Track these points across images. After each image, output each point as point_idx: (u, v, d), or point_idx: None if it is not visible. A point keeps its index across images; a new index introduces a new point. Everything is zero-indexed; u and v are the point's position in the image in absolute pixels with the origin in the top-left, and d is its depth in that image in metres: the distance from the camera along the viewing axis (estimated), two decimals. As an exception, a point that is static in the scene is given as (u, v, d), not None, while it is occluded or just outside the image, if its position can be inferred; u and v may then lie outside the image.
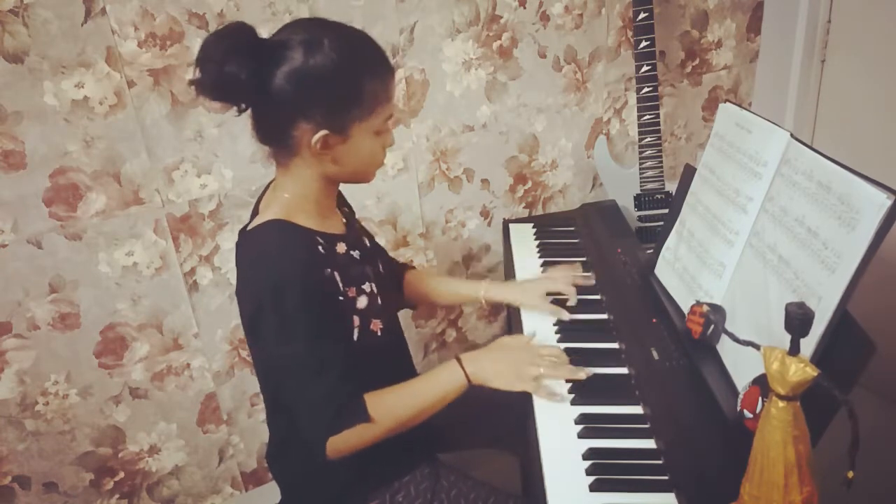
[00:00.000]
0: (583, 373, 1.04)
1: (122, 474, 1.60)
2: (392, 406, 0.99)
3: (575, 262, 1.40)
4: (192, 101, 1.39)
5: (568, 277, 1.29)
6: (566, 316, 1.23)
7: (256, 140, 0.99)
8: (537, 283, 1.30)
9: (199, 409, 1.64)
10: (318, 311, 0.94)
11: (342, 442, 0.95)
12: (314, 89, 0.90)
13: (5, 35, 1.20)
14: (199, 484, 1.71)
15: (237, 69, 0.86)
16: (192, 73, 0.84)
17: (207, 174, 1.46)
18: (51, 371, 1.43)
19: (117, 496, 1.61)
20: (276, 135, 0.96)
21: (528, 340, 1.13)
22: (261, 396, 1.67)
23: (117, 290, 1.45)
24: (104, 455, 1.56)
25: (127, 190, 1.39)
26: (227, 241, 1.53)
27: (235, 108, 0.93)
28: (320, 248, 0.99)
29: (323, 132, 0.92)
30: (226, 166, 1.47)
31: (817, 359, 0.80)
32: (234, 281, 1.56)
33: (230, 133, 1.45)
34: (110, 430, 1.54)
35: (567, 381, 1.06)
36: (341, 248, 1.03)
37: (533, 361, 1.04)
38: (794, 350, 0.69)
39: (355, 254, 1.06)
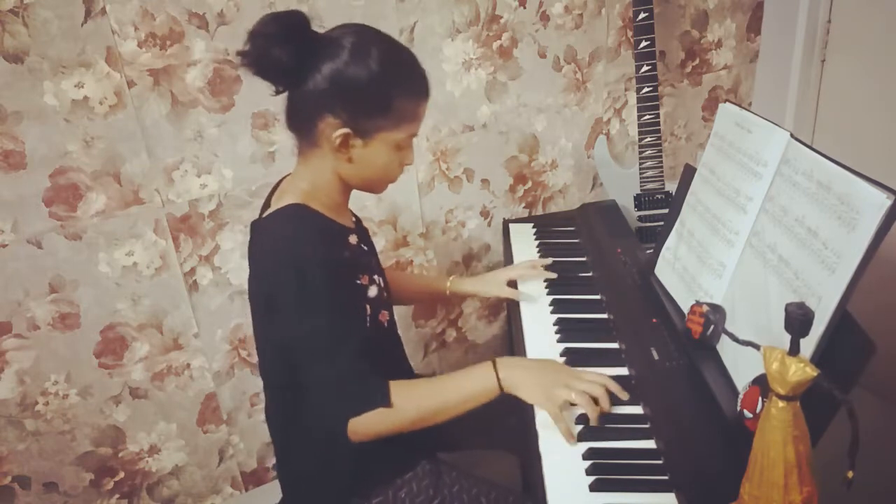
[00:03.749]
0: (595, 422, 0.96)
1: (122, 474, 1.60)
2: (416, 396, 0.99)
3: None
4: (191, 101, 1.39)
5: (528, 265, 1.39)
6: (520, 298, 1.32)
7: (286, 124, 1.02)
8: (497, 273, 1.39)
9: (199, 409, 1.64)
10: (340, 288, 0.96)
11: (363, 425, 0.95)
12: (348, 90, 0.94)
13: (5, 35, 1.20)
14: (199, 484, 1.71)
15: (283, 53, 0.91)
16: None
17: (207, 174, 1.46)
18: (51, 371, 1.43)
19: (117, 496, 1.61)
20: (302, 123, 1.00)
21: (571, 370, 1.06)
22: (260, 396, 1.67)
23: (117, 290, 1.45)
24: (104, 455, 1.56)
25: (127, 190, 1.39)
26: (227, 241, 1.53)
27: (274, 88, 0.97)
28: (337, 233, 1.03)
29: (345, 130, 0.96)
30: (226, 166, 1.47)
31: (817, 359, 0.80)
32: (234, 281, 1.56)
33: (230, 133, 1.45)
34: (110, 430, 1.54)
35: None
36: (353, 239, 1.07)
37: (568, 385, 0.98)
38: (794, 350, 0.69)
39: (365, 247, 1.11)
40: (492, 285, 1.36)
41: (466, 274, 1.87)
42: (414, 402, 0.97)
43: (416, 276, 1.46)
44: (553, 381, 0.99)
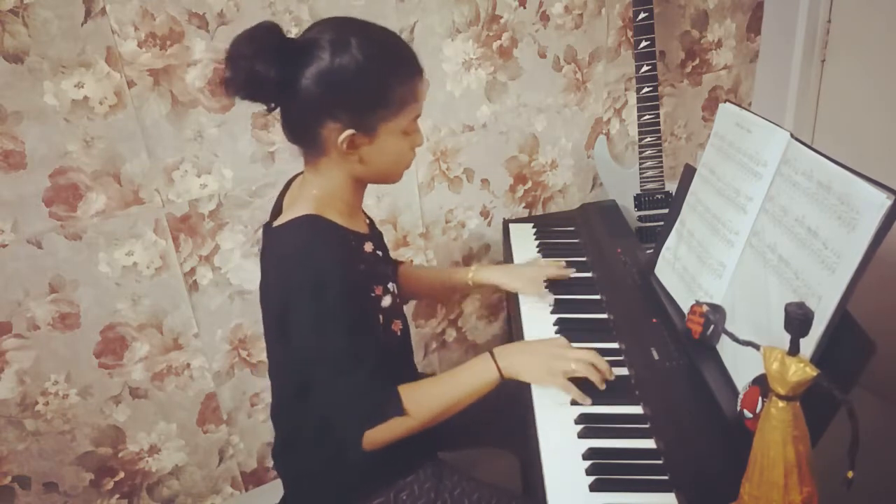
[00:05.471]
0: (611, 374, 1.04)
1: (122, 474, 1.60)
2: (426, 399, 1.00)
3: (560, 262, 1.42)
4: (192, 101, 1.39)
5: (552, 266, 1.35)
6: (550, 299, 1.28)
7: (287, 139, 1.00)
8: (526, 268, 1.34)
9: (199, 409, 1.64)
10: (356, 305, 0.95)
11: (378, 435, 0.96)
12: (340, 89, 0.91)
13: (5, 35, 1.20)
14: (199, 484, 1.71)
15: (266, 68, 0.88)
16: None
17: (207, 174, 1.46)
18: (51, 371, 1.43)
19: (117, 496, 1.61)
20: (304, 134, 0.97)
21: (564, 342, 1.11)
22: (260, 396, 1.68)
23: (117, 290, 1.45)
24: (104, 455, 1.56)
25: (127, 190, 1.39)
26: (227, 241, 1.53)
27: (265, 106, 0.95)
28: (353, 243, 1.00)
29: (350, 132, 0.93)
30: (226, 166, 1.47)
31: (817, 359, 0.80)
32: (234, 281, 1.56)
33: (230, 133, 1.45)
34: (110, 430, 1.54)
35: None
36: (368, 247, 1.05)
37: (565, 356, 1.03)
38: (794, 350, 0.69)
39: (380, 253, 1.08)
40: (522, 281, 1.30)
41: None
42: (424, 405, 0.99)
43: (433, 269, 1.41)
44: (549, 357, 1.04)
